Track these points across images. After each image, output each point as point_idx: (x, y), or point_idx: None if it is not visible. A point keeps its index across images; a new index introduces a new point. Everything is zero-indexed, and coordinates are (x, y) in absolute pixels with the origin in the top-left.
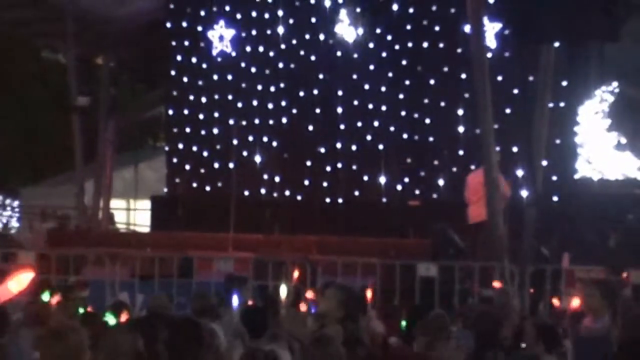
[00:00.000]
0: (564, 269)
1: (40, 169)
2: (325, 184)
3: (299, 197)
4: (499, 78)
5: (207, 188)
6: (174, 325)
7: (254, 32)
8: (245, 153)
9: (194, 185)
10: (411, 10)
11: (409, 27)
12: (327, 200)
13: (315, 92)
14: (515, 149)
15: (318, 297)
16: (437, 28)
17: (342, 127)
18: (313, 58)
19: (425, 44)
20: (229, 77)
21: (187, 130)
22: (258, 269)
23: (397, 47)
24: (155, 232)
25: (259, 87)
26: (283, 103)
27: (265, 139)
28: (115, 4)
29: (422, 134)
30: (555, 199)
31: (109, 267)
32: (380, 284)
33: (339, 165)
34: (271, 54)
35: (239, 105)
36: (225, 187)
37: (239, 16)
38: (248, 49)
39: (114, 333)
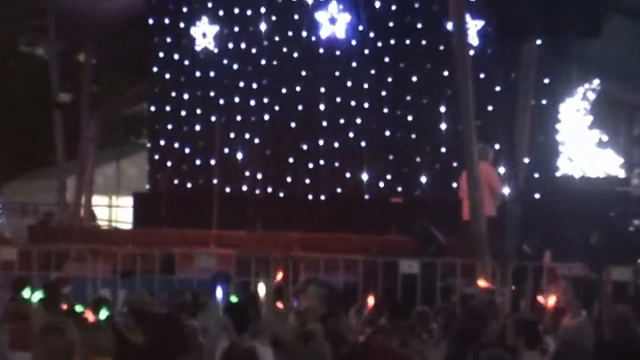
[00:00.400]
0: (546, 265)
1: (21, 165)
2: (307, 181)
3: (281, 194)
4: (481, 75)
5: (189, 185)
6: (154, 321)
7: (236, 29)
8: (227, 150)
9: (176, 181)
10: (394, 8)
11: (391, 24)
12: (310, 197)
13: (298, 89)
14: (497, 147)
15: (299, 294)
16: (419, 25)
17: (324, 124)
18: (295, 55)
19: (407, 41)
20: (211, 74)
21: (169, 126)
22: (240, 266)
23: (379, 44)
24: (137, 229)
25: (241, 84)
26: (265, 100)
27: (247, 135)
28: (97, 0)
29: (404, 131)
30: (537, 196)
31: (91, 263)
32: (363, 281)
33: (321, 162)
34: (253, 50)
35: (221, 101)
36: (208, 183)
37: (221, 13)
38: (230, 45)
39: (93, 330)
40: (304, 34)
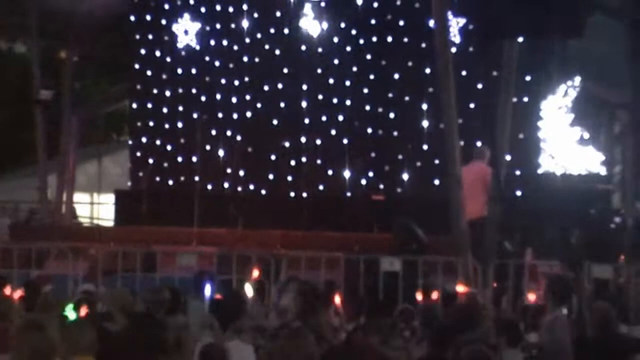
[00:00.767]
0: (527, 264)
1: (1, 162)
2: (289, 178)
3: (263, 192)
4: (463, 73)
5: (171, 182)
6: (134, 318)
7: (218, 26)
8: (209, 147)
9: (158, 179)
10: (375, 5)
11: (373, 21)
12: (292, 194)
13: (280, 86)
14: (479, 144)
15: (281, 292)
16: (401, 23)
17: (306, 121)
18: (277, 52)
19: (389, 39)
20: (193, 71)
21: (151, 124)
22: (222, 264)
23: (361, 41)
24: (119, 227)
25: (223, 81)
26: (247, 97)
27: (229, 133)
28: None
29: (386, 129)
30: (518, 193)
31: (72, 261)
32: (344, 279)
33: (303, 159)
34: (235, 47)
35: (203, 99)
36: (189, 181)
37: (203, 10)
38: (212, 42)
39: (74, 327)
40: (286, 31)
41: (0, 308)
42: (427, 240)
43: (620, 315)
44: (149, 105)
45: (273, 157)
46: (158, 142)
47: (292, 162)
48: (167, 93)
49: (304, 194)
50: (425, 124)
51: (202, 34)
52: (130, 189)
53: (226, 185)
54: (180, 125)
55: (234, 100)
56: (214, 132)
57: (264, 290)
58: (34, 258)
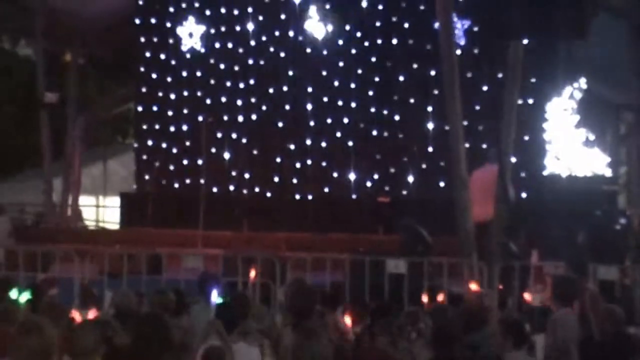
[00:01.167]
0: (533, 265)
1: (6, 165)
2: (294, 181)
3: (268, 194)
4: (468, 75)
5: (176, 185)
6: (139, 320)
7: (223, 29)
8: (214, 150)
9: (163, 182)
10: (380, 7)
11: (378, 23)
12: (297, 196)
13: (285, 88)
14: (484, 146)
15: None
16: (406, 25)
17: (311, 123)
18: (282, 54)
19: (394, 41)
20: (198, 74)
21: (156, 126)
22: (227, 266)
23: (366, 43)
24: (124, 229)
25: (228, 84)
26: (252, 99)
27: (234, 135)
28: (84, 0)
29: (391, 131)
30: (524, 195)
31: (78, 264)
32: (350, 281)
33: (309, 161)
34: (240, 50)
35: (208, 101)
36: (194, 183)
37: (208, 12)
38: (217, 45)
39: (81, 330)
40: (291, 33)
41: (7, 311)
42: (432, 241)
43: (626, 316)
44: (155, 108)
45: (278, 160)
46: (163, 145)
47: (298, 165)
48: (172, 96)
49: (309, 196)
50: (430, 125)
51: (207, 37)
52: (135, 192)
53: (232, 187)
54: (185, 127)
55: (239, 102)
56: (219, 135)
57: (269, 292)
58: (39, 261)
